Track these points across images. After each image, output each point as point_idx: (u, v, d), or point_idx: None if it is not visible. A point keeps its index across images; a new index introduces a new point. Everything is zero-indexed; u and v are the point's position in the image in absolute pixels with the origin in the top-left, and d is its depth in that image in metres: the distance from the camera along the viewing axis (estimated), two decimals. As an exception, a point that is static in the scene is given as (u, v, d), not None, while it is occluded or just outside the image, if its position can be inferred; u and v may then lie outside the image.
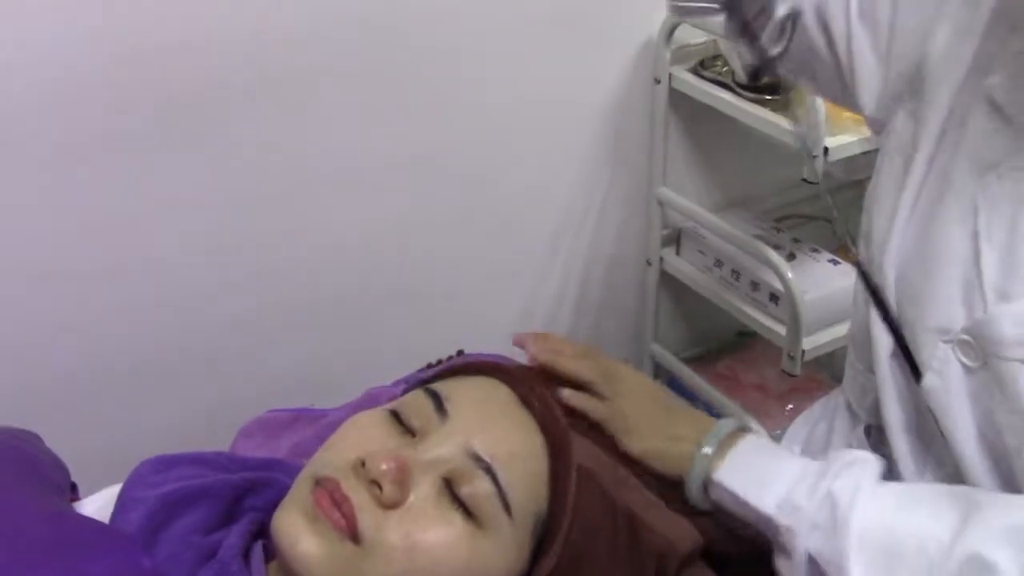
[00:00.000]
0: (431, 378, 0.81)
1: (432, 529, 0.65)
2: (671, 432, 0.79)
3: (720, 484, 0.74)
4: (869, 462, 0.70)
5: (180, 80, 1.24)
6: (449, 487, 0.67)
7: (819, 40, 0.86)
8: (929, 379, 0.74)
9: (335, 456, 0.69)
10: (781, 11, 0.84)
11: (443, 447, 0.68)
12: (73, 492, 0.84)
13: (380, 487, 0.64)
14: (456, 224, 1.55)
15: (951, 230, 0.73)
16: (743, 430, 0.78)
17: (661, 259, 1.74)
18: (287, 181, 1.38)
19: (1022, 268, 0.68)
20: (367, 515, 0.64)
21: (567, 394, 0.77)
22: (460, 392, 0.73)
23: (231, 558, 0.65)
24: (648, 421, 0.79)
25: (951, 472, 0.76)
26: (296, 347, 1.50)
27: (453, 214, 1.54)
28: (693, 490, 0.77)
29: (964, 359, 0.72)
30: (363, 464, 0.65)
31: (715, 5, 0.86)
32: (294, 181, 1.38)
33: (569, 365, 0.80)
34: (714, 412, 1.76)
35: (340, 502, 0.64)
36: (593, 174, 1.66)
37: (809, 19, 0.86)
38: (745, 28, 0.88)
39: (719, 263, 1.64)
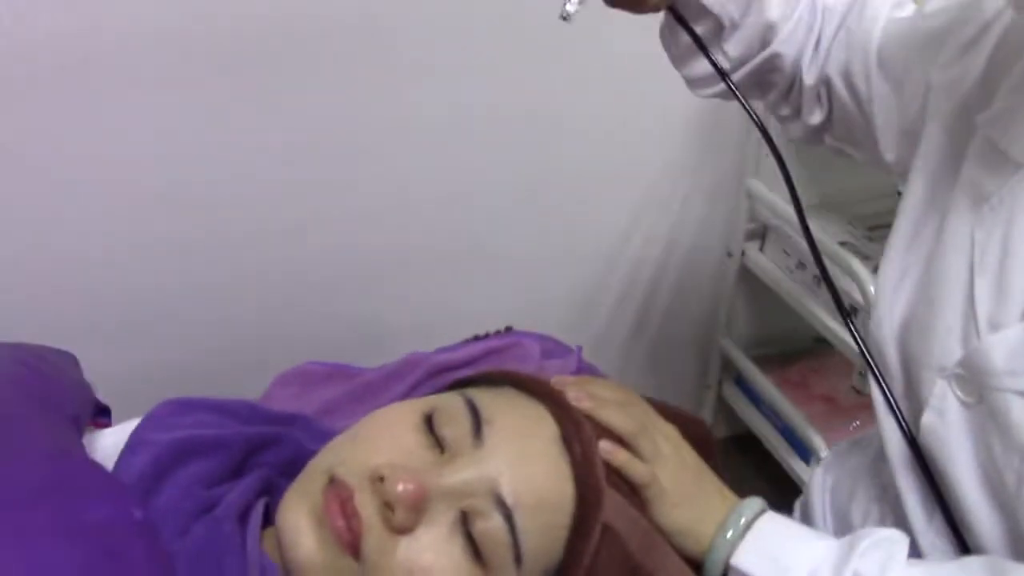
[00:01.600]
0: (476, 380, 0.76)
1: (436, 565, 0.62)
2: (699, 508, 0.74)
3: (738, 569, 0.70)
4: (896, 541, 0.68)
5: (272, 20, 1.23)
6: (464, 522, 0.63)
7: (850, 102, 0.89)
8: (927, 418, 0.72)
9: (356, 456, 0.66)
10: (809, 80, 0.92)
11: (469, 478, 0.64)
12: (104, 417, 0.84)
13: (393, 510, 0.62)
14: (532, 191, 1.52)
15: (951, 263, 0.72)
16: (765, 510, 0.74)
17: (743, 252, 1.69)
18: (359, 130, 1.36)
19: (1013, 294, 0.66)
20: (374, 536, 0.62)
21: (607, 448, 0.70)
22: (502, 417, 0.68)
23: (226, 517, 0.64)
24: (680, 492, 0.73)
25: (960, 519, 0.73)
26: (346, 298, 1.49)
27: (530, 180, 1.51)
28: (712, 574, 0.72)
29: (960, 394, 0.70)
30: (381, 479, 0.62)
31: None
32: (369, 130, 1.37)
33: (610, 417, 0.73)
34: (777, 416, 1.72)
35: (350, 515, 0.62)
36: (683, 156, 1.60)
37: (837, 84, 0.90)
38: (782, 102, 0.97)
39: (802, 265, 1.57)
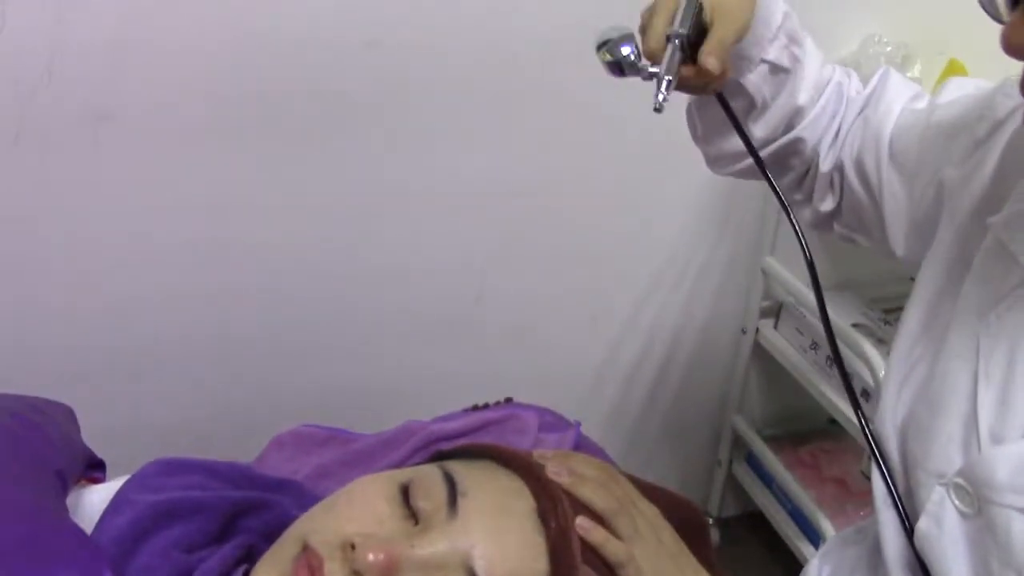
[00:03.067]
0: (457, 452, 0.76)
1: None
2: None
3: None
4: None
5: (295, 81, 1.26)
6: None
7: (861, 191, 0.89)
8: (924, 524, 0.70)
9: (330, 524, 0.65)
10: (825, 166, 0.93)
11: (441, 549, 0.63)
12: (99, 471, 0.84)
13: None
14: (545, 262, 1.52)
15: (955, 367, 0.70)
16: None
17: (757, 330, 1.67)
18: (377, 192, 1.37)
19: (1016, 408, 0.65)
20: None
21: (584, 525, 0.68)
22: (478, 489, 0.67)
23: (202, 583, 0.63)
24: (657, 573, 0.70)
25: None
26: (349, 361, 1.49)
27: (544, 250, 1.51)
28: None
29: (958, 503, 0.68)
30: (352, 547, 0.61)
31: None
32: (385, 193, 1.38)
33: (589, 494, 0.71)
34: (786, 496, 1.69)
35: None
36: (700, 232, 1.60)
37: (850, 171, 0.91)
38: (796, 187, 0.97)
39: (816, 345, 1.56)
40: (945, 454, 0.70)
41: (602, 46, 0.88)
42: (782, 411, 1.84)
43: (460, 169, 1.39)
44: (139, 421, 1.33)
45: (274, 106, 1.26)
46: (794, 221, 0.88)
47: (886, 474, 0.76)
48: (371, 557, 0.60)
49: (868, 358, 1.36)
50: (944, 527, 0.69)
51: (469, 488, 0.67)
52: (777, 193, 0.88)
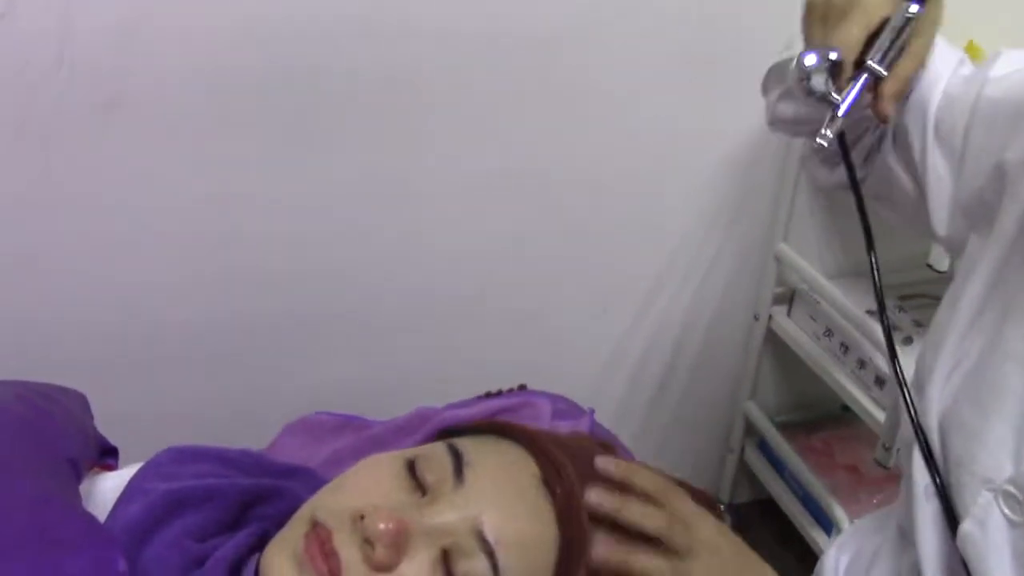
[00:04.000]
0: (461, 430, 0.76)
1: None
2: None
3: None
4: None
5: (303, 70, 1.25)
6: (446, 561, 0.62)
7: (897, 165, 0.86)
8: (968, 526, 0.68)
9: (338, 500, 0.66)
10: (869, 138, 0.89)
11: (450, 517, 0.64)
12: (112, 458, 0.84)
13: (373, 547, 0.61)
14: (557, 249, 1.51)
15: (1008, 371, 0.67)
16: None
17: (770, 317, 1.67)
18: (392, 184, 1.37)
19: None
20: (353, 574, 0.61)
21: (593, 497, 0.67)
22: (483, 459, 0.68)
23: (215, 572, 0.63)
24: None
25: None
26: (363, 347, 1.49)
27: (556, 238, 1.50)
28: None
29: (1007, 511, 0.66)
30: (362, 518, 0.62)
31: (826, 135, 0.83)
32: (399, 185, 1.37)
33: (634, 517, 0.68)
34: (799, 483, 1.69)
35: (328, 555, 0.61)
36: (713, 218, 1.59)
37: (887, 143, 0.87)
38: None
39: (829, 333, 1.55)
40: (995, 460, 0.67)
41: (805, 69, 0.80)
42: (795, 398, 1.83)
43: (468, 158, 1.39)
44: (149, 409, 1.33)
45: (282, 95, 1.25)
46: (866, 214, 0.83)
47: (936, 470, 0.72)
48: (381, 526, 0.61)
49: (881, 344, 1.35)
50: (989, 532, 0.67)
51: (474, 459, 0.67)
52: (851, 171, 0.83)
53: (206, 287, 1.35)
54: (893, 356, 0.79)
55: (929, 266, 1.27)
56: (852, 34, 0.78)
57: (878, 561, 0.86)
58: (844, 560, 0.91)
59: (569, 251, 1.53)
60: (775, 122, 1.00)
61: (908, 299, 1.62)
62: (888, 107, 0.77)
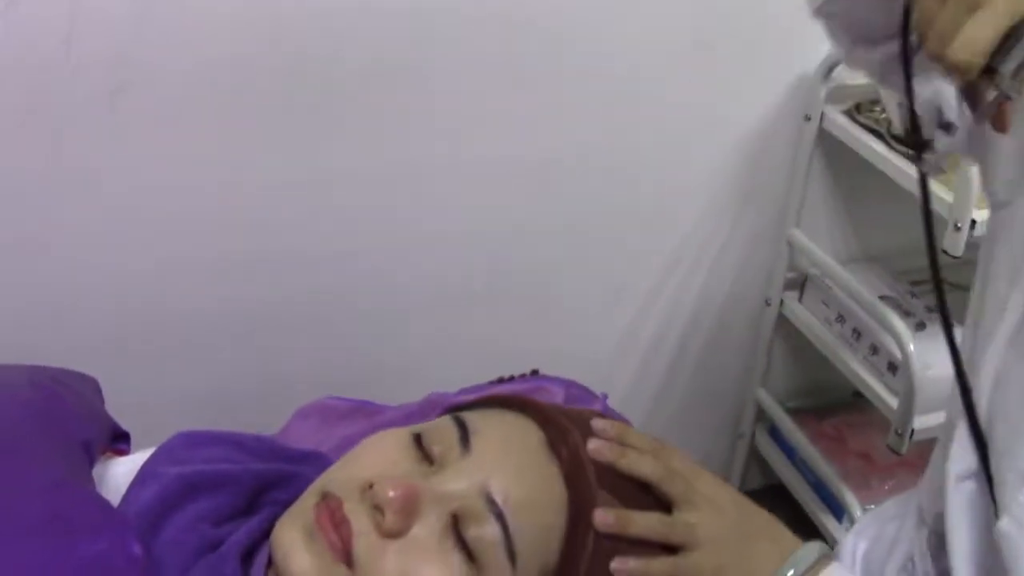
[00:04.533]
0: (466, 405, 0.76)
1: (428, 567, 0.61)
2: (748, 559, 0.69)
3: None
4: None
5: (315, 51, 1.24)
6: (456, 525, 0.63)
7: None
8: (1005, 524, 0.65)
9: (347, 473, 0.66)
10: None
11: (458, 482, 0.64)
12: (124, 443, 0.84)
13: (383, 514, 0.61)
14: (567, 234, 1.51)
15: None
16: (827, 558, 0.70)
17: (782, 302, 1.66)
18: (402, 169, 1.36)
19: None
20: (364, 541, 0.61)
21: (596, 447, 0.68)
22: (488, 427, 0.68)
23: (229, 556, 0.63)
24: (719, 538, 0.69)
25: None
26: (374, 333, 1.49)
27: (568, 221, 1.50)
28: None
29: None
30: (371, 487, 0.62)
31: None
32: (409, 170, 1.37)
33: (632, 463, 0.69)
34: (809, 469, 1.68)
35: (339, 523, 0.61)
36: (725, 202, 1.58)
37: None
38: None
39: (841, 318, 1.54)
40: None
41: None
42: (806, 384, 1.83)
43: (479, 143, 1.38)
44: (160, 395, 1.33)
45: (295, 77, 1.25)
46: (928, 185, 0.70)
47: (986, 455, 0.68)
48: (391, 492, 0.61)
49: (896, 331, 1.35)
50: None
51: (480, 428, 0.68)
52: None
53: (216, 272, 1.35)
54: (949, 333, 0.69)
55: (944, 251, 1.25)
56: (983, 36, 0.57)
57: (897, 548, 0.85)
58: (862, 546, 0.91)
59: (581, 237, 1.52)
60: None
61: (919, 284, 1.62)
62: (1009, 123, 0.63)
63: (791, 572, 0.68)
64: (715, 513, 0.70)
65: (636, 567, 0.66)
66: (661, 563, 0.67)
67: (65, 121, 1.18)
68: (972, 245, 1.29)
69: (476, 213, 1.44)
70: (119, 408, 0.83)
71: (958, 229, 1.22)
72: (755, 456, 1.87)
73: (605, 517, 0.66)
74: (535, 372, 1.03)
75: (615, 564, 0.66)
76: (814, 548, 0.70)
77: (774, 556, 0.69)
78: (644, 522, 0.68)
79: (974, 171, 1.18)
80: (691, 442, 1.85)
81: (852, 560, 0.90)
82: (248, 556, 0.66)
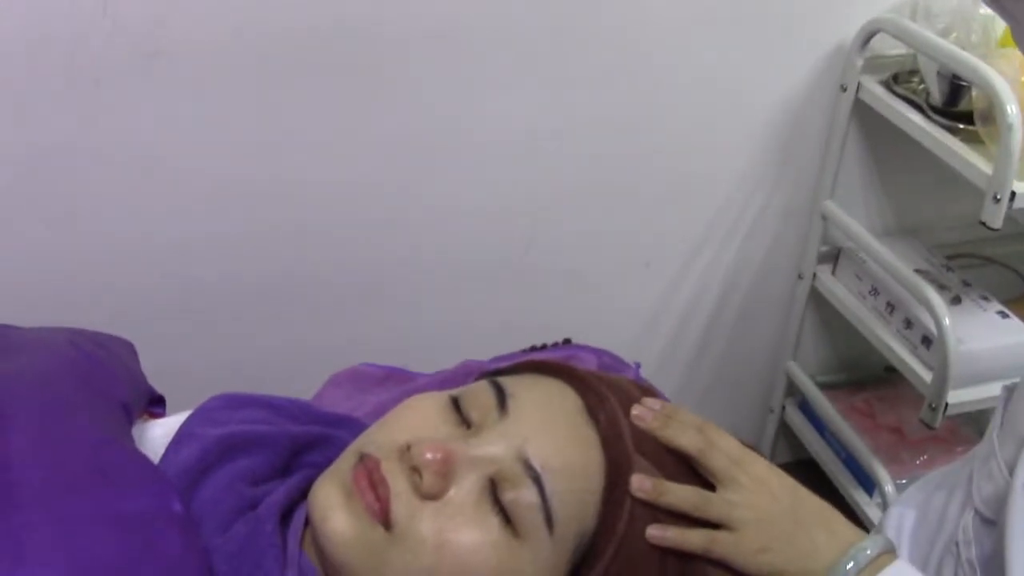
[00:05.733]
0: (503, 371, 0.77)
1: (466, 529, 0.61)
2: (797, 545, 0.67)
3: None
4: None
5: (347, 18, 1.24)
6: (493, 489, 0.63)
7: None
8: None
9: (385, 435, 0.66)
10: None
11: (495, 446, 0.64)
12: (159, 407, 0.85)
13: (421, 476, 0.62)
14: (598, 203, 1.50)
15: None
16: (890, 553, 0.67)
17: (815, 275, 1.65)
18: (430, 134, 1.36)
19: None
20: (402, 503, 0.61)
21: (639, 413, 0.68)
22: (526, 392, 0.68)
23: (268, 516, 0.63)
24: (768, 534, 0.66)
25: None
26: (407, 303, 1.49)
27: (597, 192, 1.49)
28: None
29: None
30: (409, 449, 0.63)
31: None
32: (439, 135, 1.36)
33: (673, 433, 0.68)
34: (840, 444, 1.67)
35: (377, 484, 0.62)
36: (758, 174, 1.57)
37: None
38: None
39: (875, 291, 1.53)
40: None
41: None
42: (837, 358, 1.81)
43: (510, 111, 1.37)
44: (194, 362, 1.34)
45: (331, 43, 1.24)
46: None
47: None
48: (429, 455, 0.61)
49: (932, 305, 1.33)
50: None
51: (517, 392, 0.68)
52: None
53: (251, 238, 1.36)
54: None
55: (982, 223, 1.24)
56: None
57: (944, 527, 0.82)
58: (910, 518, 0.87)
59: (612, 207, 1.51)
60: None
61: (956, 259, 1.60)
62: None
63: (850, 565, 0.66)
64: (765, 496, 0.68)
65: (673, 536, 0.66)
66: (698, 535, 0.67)
67: (103, 85, 1.19)
68: (1010, 219, 1.27)
69: (507, 185, 1.44)
70: (153, 375, 0.84)
71: (997, 201, 1.20)
72: (785, 431, 1.86)
73: (642, 482, 0.66)
74: (567, 341, 1.03)
75: (653, 530, 0.66)
76: (877, 542, 0.67)
77: (832, 547, 0.67)
78: (681, 493, 0.67)
79: (1015, 141, 1.16)
80: (721, 416, 1.84)
81: (898, 533, 0.88)
82: (286, 516, 0.67)
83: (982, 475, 0.80)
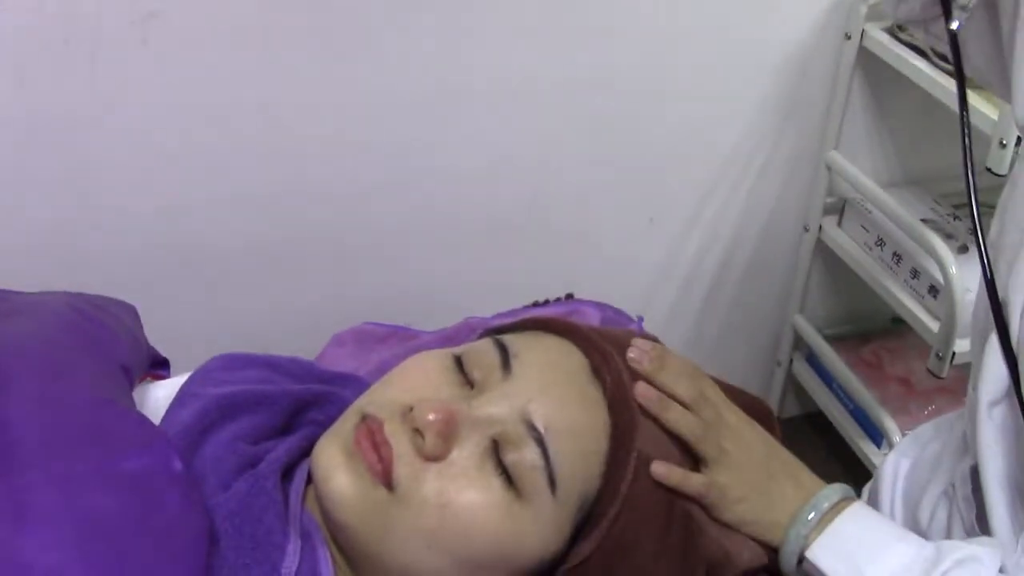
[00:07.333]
0: (506, 328, 0.76)
1: (468, 490, 0.61)
2: (769, 496, 0.70)
3: (814, 564, 0.67)
4: (983, 561, 0.63)
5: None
6: (496, 450, 0.62)
7: (983, 20, 0.75)
8: None
9: (387, 394, 0.66)
10: None
11: (498, 406, 0.64)
12: (163, 369, 0.85)
13: (424, 437, 0.61)
14: (602, 158, 1.49)
15: None
16: (848, 499, 0.70)
17: (820, 227, 1.64)
18: (432, 91, 1.35)
19: None
20: (405, 463, 0.61)
21: (643, 392, 0.67)
22: (530, 350, 0.68)
23: (269, 473, 0.63)
24: (745, 485, 0.69)
25: None
26: (409, 261, 1.49)
27: (601, 146, 1.48)
28: (785, 566, 0.69)
29: None
30: (411, 410, 0.62)
31: None
32: (440, 91, 1.35)
33: (668, 380, 0.69)
34: (848, 396, 1.67)
35: (379, 444, 0.62)
36: (762, 125, 1.55)
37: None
38: None
39: (881, 242, 1.52)
40: None
41: None
42: (844, 310, 1.81)
43: (511, 65, 1.36)
44: (197, 323, 1.34)
45: (324, 1, 1.23)
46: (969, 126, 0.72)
47: (1017, 379, 0.66)
48: (431, 416, 0.61)
49: (938, 254, 1.32)
50: None
51: (521, 351, 0.67)
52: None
53: (252, 199, 1.35)
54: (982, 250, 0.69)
55: (988, 169, 1.22)
56: None
57: (939, 472, 0.83)
58: (904, 465, 0.89)
59: (616, 160, 1.50)
60: None
61: (962, 207, 1.59)
62: None
63: (812, 515, 0.68)
64: (743, 447, 0.70)
65: (678, 476, 0.66)
66: (699, 478, 0.68)
67: (98, 47, 1.18)
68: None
69: (509, 139, 1.43)
70: (156, 338, 0.84)
71: (1003, 146, 1.19)
72: (793, 384, 1.86)
73: (647, 392, 0.67)
74: (570, 296, 1.03)
75: (658, 467, 0.65)
76: (836, 490, 0.70)
77: (797, 498, 0.70)
78: (688, 419, 0.68)
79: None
80: (728, 370, 1.81)
81: (893, 479, 0.89)
82: (287, 473, 0.67)
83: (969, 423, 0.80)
